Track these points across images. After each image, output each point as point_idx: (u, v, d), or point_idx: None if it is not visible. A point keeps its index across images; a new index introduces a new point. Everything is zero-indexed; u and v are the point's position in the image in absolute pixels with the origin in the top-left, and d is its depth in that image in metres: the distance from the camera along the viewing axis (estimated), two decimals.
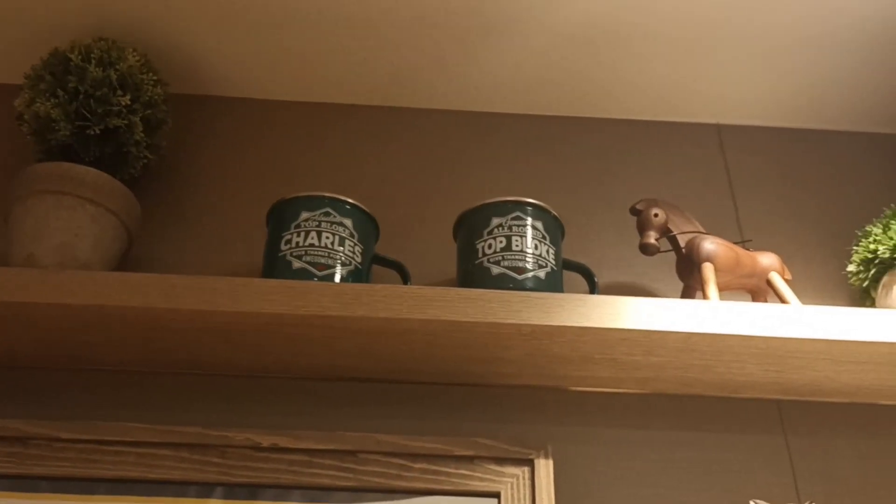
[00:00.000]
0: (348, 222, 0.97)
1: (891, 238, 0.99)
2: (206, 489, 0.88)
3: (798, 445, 0.99)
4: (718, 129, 1.28)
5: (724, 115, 1.28)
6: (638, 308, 0.89)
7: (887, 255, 0.99)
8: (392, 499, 0.88)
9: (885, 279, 1.00)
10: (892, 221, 1.00)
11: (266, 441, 0.90)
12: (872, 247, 1.01)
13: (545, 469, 0.90)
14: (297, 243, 0.95)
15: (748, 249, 1.03)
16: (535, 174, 1.20)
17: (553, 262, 0.96)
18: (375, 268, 1.02)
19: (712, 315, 0.88)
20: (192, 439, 0.89)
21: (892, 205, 1.05)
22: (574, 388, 1.00)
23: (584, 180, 1.21)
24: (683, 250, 1.00)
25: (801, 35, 1.17)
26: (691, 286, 1.00)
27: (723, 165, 1.24)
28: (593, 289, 1.01)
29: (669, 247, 1.02)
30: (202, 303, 0.88)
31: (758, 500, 0.83)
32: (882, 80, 1.22)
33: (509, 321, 0.87)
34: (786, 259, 1.12)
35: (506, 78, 1.22)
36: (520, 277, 0.93)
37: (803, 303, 0.99)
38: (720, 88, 1.24)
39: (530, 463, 0.90)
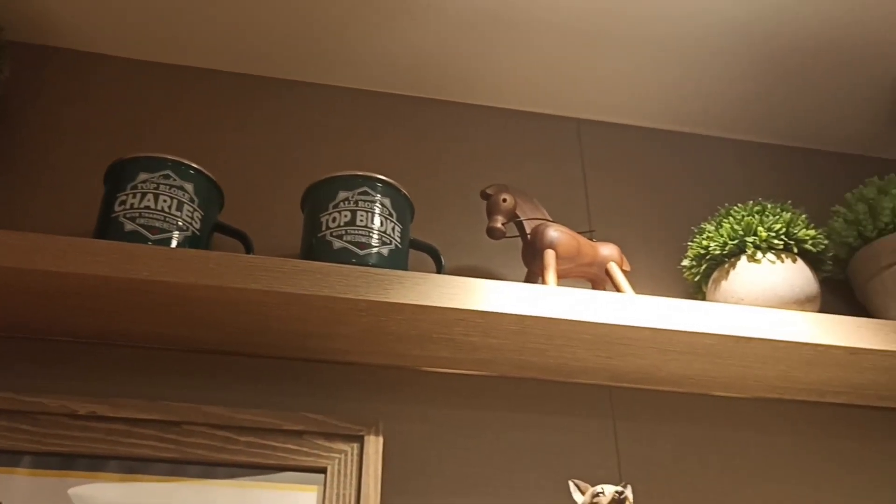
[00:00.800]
0: (189, 187, 0.94)
1: (721, 236, 1.03)
2: (12, 458, 0.83)
3: (625, 430, 1.03)
4: (578, 123, 1.31)
5: (585, 111, 1.31)
6: (474, 289, 0.89)
7: (718, 252, 1.03)
8: (215, 473, 0.86)
9: (715, 274, 1.05)
10: (725, 220, 1.05)
11: (83, 409, 0.86)
12: (705, 243, 1.05)
13: (374, 446, 0.89)
14: (132, 205, 0.91)
15: (591, 240, 1.06)
16: (392, 152, 1.20)
17: (399, 240, 0.96)
18: (220, 238, 0.99)
19: (544, 299, 0.90)
20: (1, 405, 0.84)
21: (727, 204, 1.10)
22: (412, 367, 1.00)
23: (442, 162, 1.21)
24: (529, 236, 1.02)
25: (662, 41, 1.20)
26: (534, 272, 1.02)
27: (579, 158, 1.27)
28: (440, 269, 1.01)
29: (517, 232, 1.04)
30: (21, 261, 0.82)
31: (576, 481, 0.85)
32: (732, 88, 1.27)
33: (346, 296, 0.86)
34: (631, 252, 1.16)
35: (371, 55, 1.21)
36: (362, 253, 0.92)
37: (642, 294, 1.03)
38: (583, 85, 1.27)
39: (360, 440, 0.90)
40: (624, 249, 1.17)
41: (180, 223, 0.91)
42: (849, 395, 1.07)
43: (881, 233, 1.08)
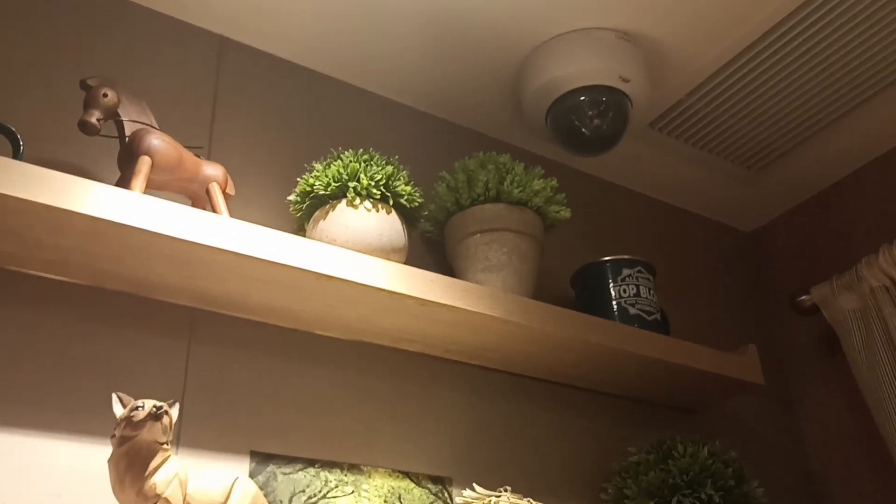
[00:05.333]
0: None
1: (327, 176, 1.05)
2: None
3: (199, 354, 1.01)
4: (221, 40, 1.26)
5: (232, 29, 1.26)
6: (38, 179, 0.81)
7: (322, 192, 1.05)
8: None
9: (316, 213, 1.07)
10: (334, 163, 1.07)
11: None
12: (312, 181, 1.07)
13: None
14: None
15: (198, 157, 1.02)
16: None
17: None
18: None
19: (120, 204, 0.85)
20: None
21: (341, 147, 1.13)
22: None
23: (62, 49, 1.09)
24: (127, 139, 0.96)
25: None
26: (126, 177, 0.96)
27: (214, 74, 1.22)
28: (17, 154, 0.91)
29: (116, 133, 0.97)
30: None
31: (120, 394, 0.82)
32: (385, 46, 1.30)
33: None
34: (246, 179, 1.15)
35: None
36: None
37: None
38: (235, 2, 1.22)
39: None
40: (240, 176, 1.16)
41: None
42: (420, 344, 1.15)
43: (474, 202, 1.18)
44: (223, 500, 0.82)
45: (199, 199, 1.02)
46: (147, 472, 0.77)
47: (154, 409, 0.78)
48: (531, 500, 0.99)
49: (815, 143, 1.57)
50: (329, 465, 1.03)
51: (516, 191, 1.17)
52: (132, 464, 0.78)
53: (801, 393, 1.63)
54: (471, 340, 1.14)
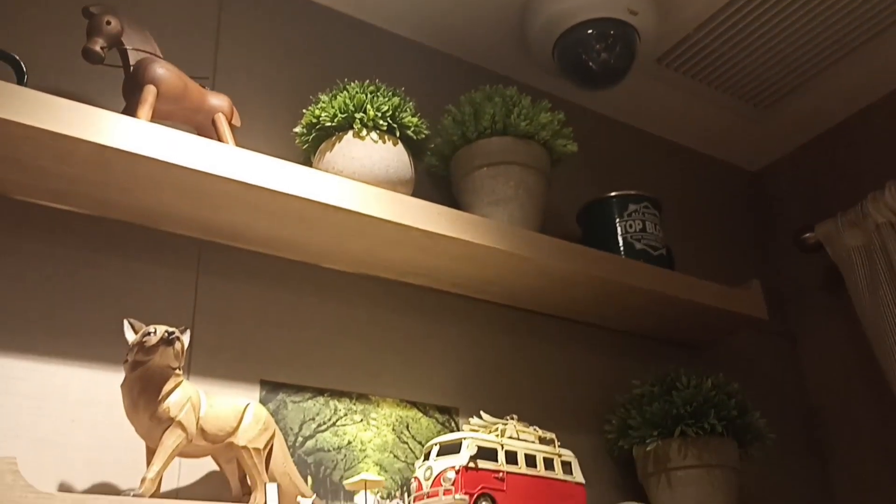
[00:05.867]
0: None
1: (333, 108, 1.04)
2: None
3: (207, 284, 1.02)
4: None
5: None
6: (46, 105, 0.81)
7: (328, 123, 1.05)
8: None
9: (322, 145, 1.07)
10: (340, 94, 1.06)
11: None
12: (318, 112, 1.06)
13: None
14: None
15: (203, 87, 1.01)
16: None
17: None
18: None
19: (128, 132, 0.85)
20: None
21: (346, 79, 1.12)
22: None
23: None
24: (132, 68, 0.94)
25: None
26: (132, 107, 0.95)
27: (217, 4, 1.20)
28: (21, 82, 0.90)
29: (121, 62, 0.96)
30: None
31: (131, 320, 0.82)
32: None
33: None
34: (252, 111, 1.14)
35: None
36: None
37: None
38: None
39: None
40: (245, 107, 1.15)
41: None
42: (427, 277, 1.16)
43: (480, 135, 1.17)
44: (235, 423, 0.83)
45: (205, 129, 1.01)
46: (160, 396, 0.79)
47: (166, 335, 0.79)
48: (537, 428, 1.00)
49: (822, 80, 1.55)
50: (338, 394, 1.04)
51: (523, 123, 1.16)
52: (145, 388, 0.79)
53: (804, 329, 1.64)
54: (477, 274, 1.15)
